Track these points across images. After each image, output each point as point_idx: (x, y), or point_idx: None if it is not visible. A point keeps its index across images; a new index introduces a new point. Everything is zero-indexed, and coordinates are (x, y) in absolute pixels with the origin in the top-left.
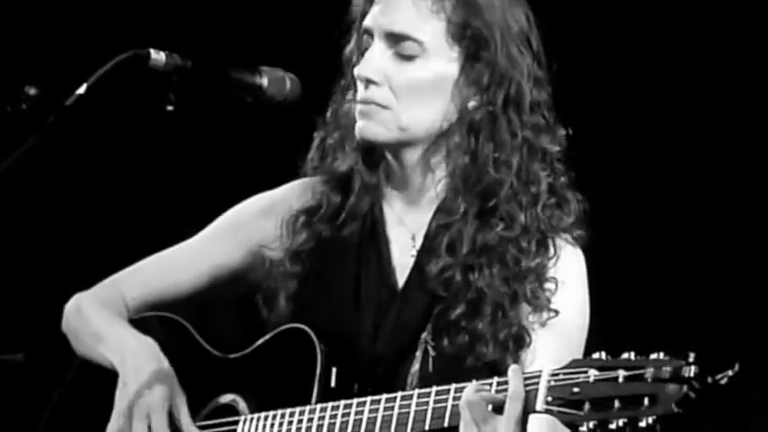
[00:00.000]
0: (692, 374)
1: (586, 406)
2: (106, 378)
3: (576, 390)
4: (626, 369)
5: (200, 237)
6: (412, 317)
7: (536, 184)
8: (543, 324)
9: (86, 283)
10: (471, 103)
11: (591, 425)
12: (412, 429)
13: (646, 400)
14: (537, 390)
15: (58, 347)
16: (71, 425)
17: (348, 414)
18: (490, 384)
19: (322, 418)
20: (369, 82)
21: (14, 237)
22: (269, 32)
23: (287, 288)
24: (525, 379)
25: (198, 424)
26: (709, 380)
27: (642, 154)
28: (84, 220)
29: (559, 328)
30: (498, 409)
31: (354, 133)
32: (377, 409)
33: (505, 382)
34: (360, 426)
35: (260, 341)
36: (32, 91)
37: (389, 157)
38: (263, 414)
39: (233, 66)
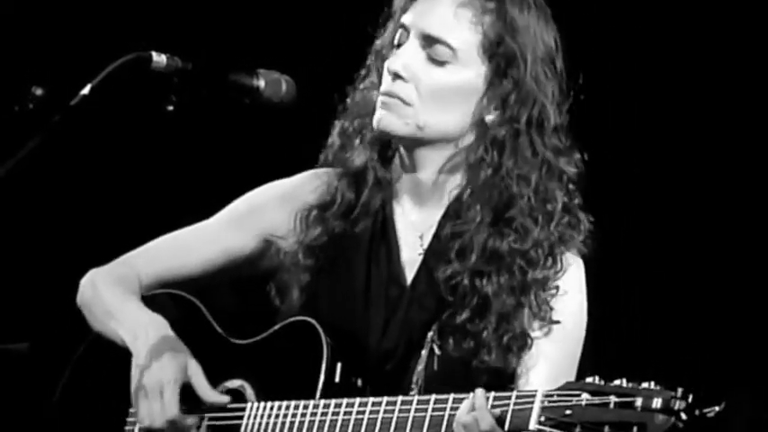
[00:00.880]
0: (681, 407)
1: (577, 429)
2: (117, 354)
3: (568, 412)
4: (617, 395)
5: (214, 220)
6: (420, 314)
7: (552, 203)
8: (545, 333)
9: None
10: (490, 117)
11: None
12: None
13: (635, 429)
14: (531, 409)
15: (62, 337)
16: (85, 399)
17: (350, 413)
18: (487, 398)
19: (325, 414)
20: (397, 76)
21: (19, 230)
22: (266, 35)
23: (299, 280)
24: (519, 398)
25: (205, 407)
26: (697, 413)
27: (635, 164)
28: (89, 213)
29: (559, 336)
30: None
31: (372, 123)
32: (377, 411)
33: (501, 398)
34: (360, 426)
35: (270, 330)
36: (39, 91)
37: (404, 154)
38: (269, 403)
39: (231, 68)
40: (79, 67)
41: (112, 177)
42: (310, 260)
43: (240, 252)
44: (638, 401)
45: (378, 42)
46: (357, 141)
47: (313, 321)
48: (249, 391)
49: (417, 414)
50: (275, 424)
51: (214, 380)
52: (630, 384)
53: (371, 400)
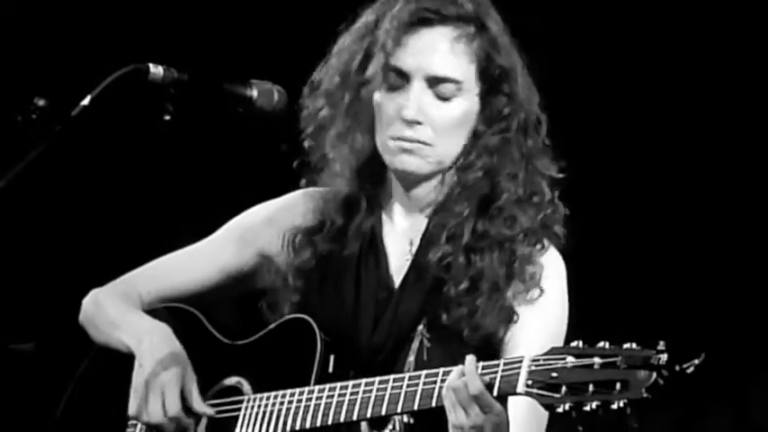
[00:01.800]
0: (661, 362)
1: (563, 389)
2: (121, 366)
3: (554, 375)
4: (601, 357)
5: (209, 240)
6: (408, 311)
7: (539, 195)
8: (531, 301)
9: (93, 275)
10: (483, 128)
11: (567, 407)
12: (402, 408)
13: (618, 385)
14: (519, 374)
15: (68, 337)
16: (88, 411)
17: (344, 394)
18: (477, 366)
19: (320, 398)
20: (413, 123)
21: (26, 235)
22: (258, 47)
23: (290, 300)
24: (507, 364)
25: (206, 403)
26: (677, 368)
27: (613, 154)
28: (92, 219)
29: (544, 310)
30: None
31: (389, 161)
32: (371, 390)
33: (489, 367)
34: (354, 404)
35: (265, 330)
36: (41, 102)
37: (399, 178)
38: (265, 394)
39: (225, 79)
40: (80, 79)
41: (113, 185)
42: (300, 281)
43: (236, 270)
44: (620, 360)
45: (370, 90)
46: (345, 168)
47: (307, 318)
48: (246, 387)
49: (409, 388)
50: (271, 412)
51: (212, 379)
52: (612, 346)
53: (364, 380)
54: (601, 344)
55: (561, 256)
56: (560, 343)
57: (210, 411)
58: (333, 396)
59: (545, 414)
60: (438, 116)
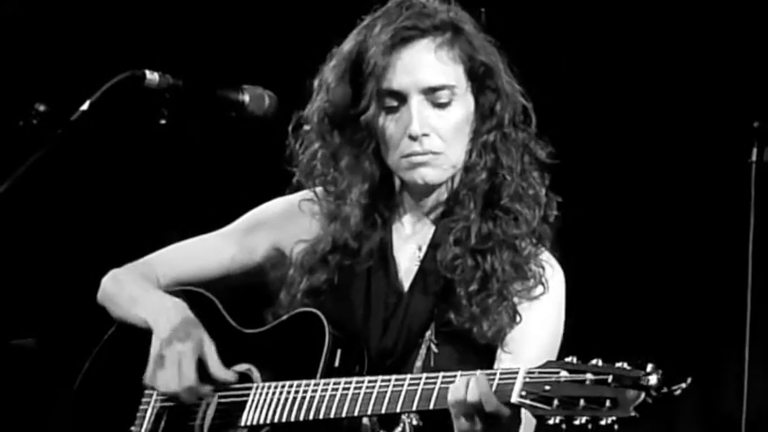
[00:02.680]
0: (650, 384)
1: (555, 402)
2: (139, 341)
3: (547, 387)
4: (593, 374)
5: (226, 229)
6: (417, 314)
7: (535, 187)
8: (534, 299)
9: (91, 274)
10: (484, 126)
11: (557, 419)
12: (402, 407)
13: (608, 402)
14: (514, 384)
15: (67, 333)
16: (103, 389)
17: (348, 389)
18: (491, 376)
19: (324, 390)
20: (421, 136)
21: (27, 234)
22: (250, 54)
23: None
24: (503, 374)
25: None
26: (665, 390)
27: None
28: (91, 219)
29: (545, 309)
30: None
31: (408, 175)
32: (373, 387)
33: (488, 375)
34: (357, 399)
35: (276, 321)
36: (42, 107)
37: (415, 190)
38: (273, 383)
39: (218, 84)
40: (78, 85)
41: (111, 185)
42: (309, 299)
43: (249, 260)
44: (612, 379)
45: (367, 116)
46: (360, 196)
47: (317, 312)
48: (256, 374)
49: (410, 388)
50: (278, 400)
51: (224, 364)
52: (605, 364)
53: (367, 378)
54: (594, 361)
55: (562, 273)
56: (558, 342)
57: (231, 377)
58: (337, 390)
59: (533, 421)
60: (441, 124)
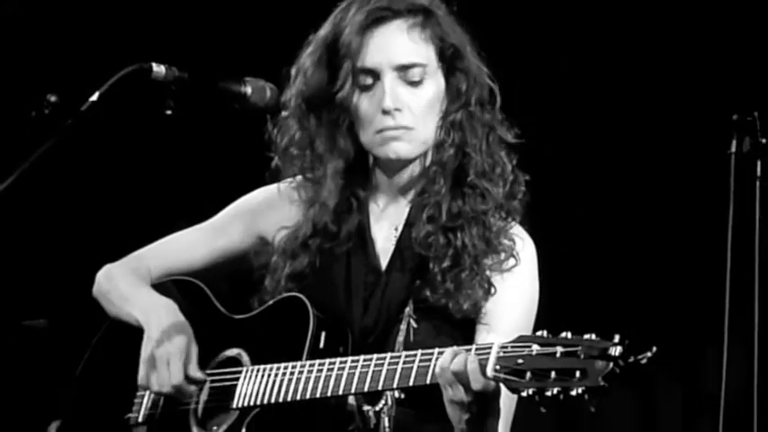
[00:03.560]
0: (617, 354)
1: (528, 375)
2: (132, 337)
3: (520, 361)
4: (563, 346)
5: (212, 221)
6: (396, 292)
7: (500, 165)
8: (507, 272)
9: (100, 257)
10: (453, 105)
11: (530, 391)
12: (383, 385)
13: (577, 374)
14: (488, 359)
15: (78, 314)
16: (103, 376)
17: (332, 369)
18: (467, 350)
19: (310, 372)
20: (395, 110)
21: (39, 220)
22: (252, 47)
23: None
24: (478, 350)
25: (208, 371)
26: (632, 359)
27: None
28: (101, 204)
29: (518, 280)
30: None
31: (381, 151)
32: (356, 367)
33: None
34: (341, 379)
35: (263, 306)
36: (53, 98)
37: (389, 167)
38: (262, 366)
39: (222, 77)
40: (88, 77)
41: (120, 172)
42: (292, 284)
43: (235, 249)
44: (581, 350)
45: (342, 94)
46: (336, 174)
47: (301, 296)
48: (245, 358)
49: (390, 367)
50: (267, 382)
51: (215, 349)
52: (574, 337)
53: (350, 358)
54: (563, 334)
55: (533, 245)
56: (534, 311)
57: (202, 377)
58: (322, 371)
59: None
60: (413, 101)
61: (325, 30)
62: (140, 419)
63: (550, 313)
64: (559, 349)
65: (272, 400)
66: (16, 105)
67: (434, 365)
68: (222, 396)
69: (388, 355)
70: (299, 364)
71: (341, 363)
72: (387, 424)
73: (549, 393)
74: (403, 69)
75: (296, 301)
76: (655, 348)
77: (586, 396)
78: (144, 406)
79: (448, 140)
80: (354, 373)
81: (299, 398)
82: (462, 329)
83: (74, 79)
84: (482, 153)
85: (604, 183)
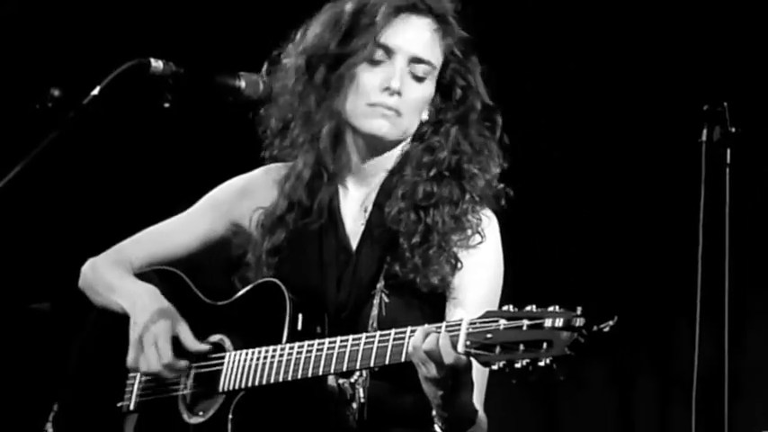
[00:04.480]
0: (580, 324)
1: (497, 349)
2: (119, 325)
3: (489, 336)
4: (529, 319)
5: (189, 211)
6: (367, 268)
7: (484, 153)
8: (473, 247)
9: (101, 242)
10: (448, 114)
11: (501, 364)
12: (360, 365)
13: (544, 345)
14: (458, 335)
15: (81, 298)
16: (95, 363)
17: (311, 351)
18: (438, 328)
19: (290, 354)
20: (395, 93)
21: (43, 207)
22: (246, 42)
23: (263, 273)
24: (448, 327)
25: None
26: (594, 328)
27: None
28: (101, 193)
29: (485, 255)
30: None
31: (358, 126)
32: (333, 347)
33: (436, 328)
34: (320, 360)
35: (241, 292)
36: (56, 92)
37: (363, 148)
38: (244, 351)
39: (217, 71)
40: (90, 72)
41: (119, 162)
42: (273, 259)
43: (212, 238)
44: (546, 322)
45: (356, 58)
46: (305, 141)
47: (277, 281)
48: (228, 343)
49: (366, 347)
50: (250, 366)
51: (198, 336)
52: (539, 309)
53: (328, 339)
54: (528, 307)
55: (497, 223)
56: (500, 284)
57: (206, 347)
58: (302, 352)
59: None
60: (412, 92)
61: (350, 4)
62: (132, 407)
63: (539, 294)
64: (525, 322)
65: (257, 383)
66: (21, 99)
67: (407, 344)
68: (208, 381)
69: (364, 335)
70: (279, 347)
71: (319, 344)
72: (362, 394)
73: (518, 365)
74: (416, 62)
75: (272, 287)
76: (616, 317)
77: (554, 365)
78: (134, 393)
79: (436, 134)
80: (333, 354)
81: (281, 380)
82: (432, 303)
83: (76, 74)
84: (467, 139)
85: (582, 173)
